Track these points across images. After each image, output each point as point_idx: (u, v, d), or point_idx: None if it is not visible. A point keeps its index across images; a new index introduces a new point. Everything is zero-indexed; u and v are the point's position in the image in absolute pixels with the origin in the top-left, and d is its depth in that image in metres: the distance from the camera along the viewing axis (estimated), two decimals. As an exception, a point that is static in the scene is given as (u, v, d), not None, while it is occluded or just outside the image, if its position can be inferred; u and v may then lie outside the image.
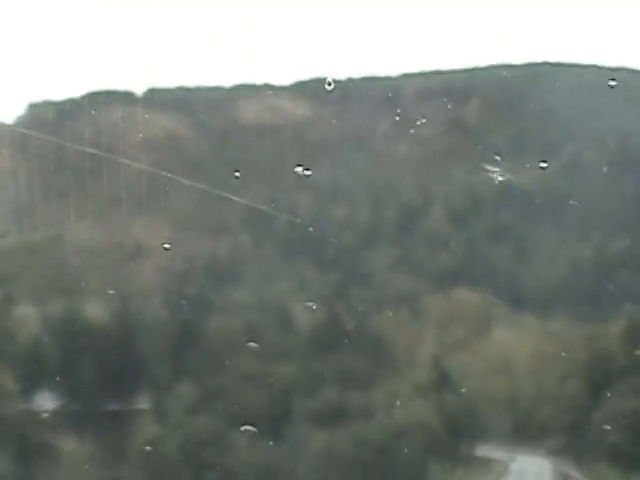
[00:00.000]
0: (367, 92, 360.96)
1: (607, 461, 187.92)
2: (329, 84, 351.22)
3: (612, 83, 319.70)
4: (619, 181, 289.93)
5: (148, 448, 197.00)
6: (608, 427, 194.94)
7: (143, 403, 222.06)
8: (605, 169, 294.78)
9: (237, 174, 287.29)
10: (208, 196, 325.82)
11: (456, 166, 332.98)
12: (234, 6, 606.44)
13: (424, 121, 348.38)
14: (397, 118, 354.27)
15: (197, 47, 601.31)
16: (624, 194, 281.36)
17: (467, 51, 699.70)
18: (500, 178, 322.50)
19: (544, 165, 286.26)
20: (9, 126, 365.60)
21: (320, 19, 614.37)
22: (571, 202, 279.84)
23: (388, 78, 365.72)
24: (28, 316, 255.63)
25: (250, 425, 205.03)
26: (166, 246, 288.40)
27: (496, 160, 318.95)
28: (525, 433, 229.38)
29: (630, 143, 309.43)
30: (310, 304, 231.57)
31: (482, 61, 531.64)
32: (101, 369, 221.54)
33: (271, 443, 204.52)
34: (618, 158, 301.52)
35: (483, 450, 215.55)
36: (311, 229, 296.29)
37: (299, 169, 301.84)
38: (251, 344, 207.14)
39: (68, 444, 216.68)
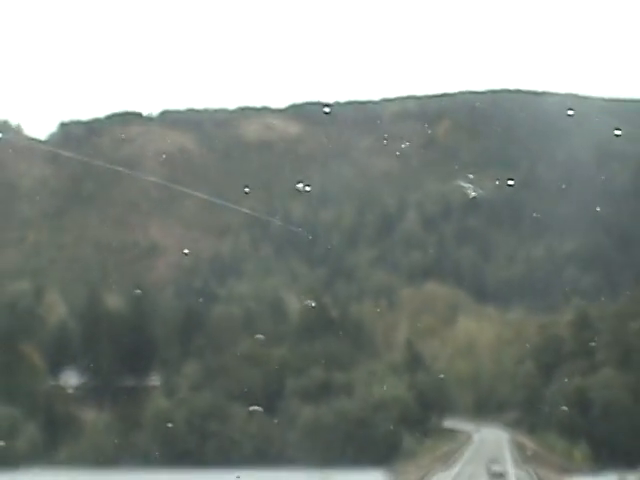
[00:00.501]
0: (352, 114, 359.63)
1: (556, 432, 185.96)
2: (326, 106, 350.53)
3: (570, 112, 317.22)
4: (568, 193, 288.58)
5: (170, 425, 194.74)
6: (558, 403, 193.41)
7: (154, 380, 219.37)
8: (561, 185, 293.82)
9: (247, 190, 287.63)
10: (213, 202, 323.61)
11: (431, 179, 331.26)
12: (237, 39, 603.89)
13: (403, 140, 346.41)
14: (377, 136, 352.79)
15: (204, 74, 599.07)
16: (571, 203, 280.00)
17: (438, 78, 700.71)
18: (473, 193, 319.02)
19: (511, 183, 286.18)
20: (42, 142, 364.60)
21: (312, 51, 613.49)
22: (534, 215, 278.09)
23: (370, 102, 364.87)
24: (55, 302, 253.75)
25: (248, 401, 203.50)
26: (185, 252, 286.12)
27: (469, 177, 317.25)
28: (486, 408, 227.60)
29: (575, 159, 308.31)
30: (309, 301, 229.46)
31: (451, 87, 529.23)
32: (119, 349, 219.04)
33: (265, 415, 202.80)
34: (566, 172, 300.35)
35: (450, 422, 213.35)
36: (307, 234, 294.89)
37: (300, 185, 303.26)
38: (258, 336, 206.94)
39: (89, 415, 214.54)
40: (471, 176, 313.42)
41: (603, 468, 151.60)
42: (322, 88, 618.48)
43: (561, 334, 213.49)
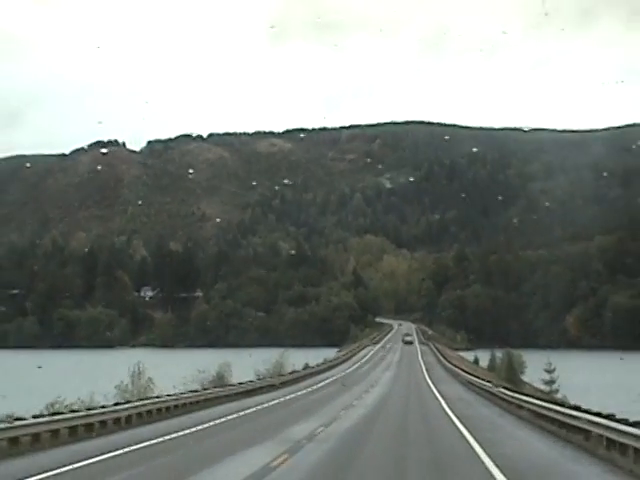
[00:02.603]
0: (322, 136, 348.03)
1: (445, 324, 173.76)
2: (306, 131, 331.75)
3: (446, 137, 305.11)
4: (452, 183, 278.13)
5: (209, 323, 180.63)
6: (446, 306, 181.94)
7: (198, 293, 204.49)
8: (446, 178, 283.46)
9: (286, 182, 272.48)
10: (240, 188, 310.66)
11: (369, 175, 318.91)
12: (258, 90, 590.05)
13: (353, 152, 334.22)
14: (337, 150, 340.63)
15: (236, 109, 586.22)
16: (453, 189, 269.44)
17: (374, 113, 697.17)
18: (389, 185, 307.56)
19: (412, 179, 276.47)
20: (137, 153, 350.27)
21: (298, 98, 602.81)
22: (427, 199, 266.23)
23: (332, 128, 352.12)
24: (139, 247, 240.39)
25: (255, 307, 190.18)
26: (217, 220, 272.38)
27: (387, 177, 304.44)
28: (401, 310, 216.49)
29: (456, 164, 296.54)
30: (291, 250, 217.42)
31: (382, 119, 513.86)
32: (177, 274, 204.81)
33: (265, 315, 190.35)
34: (451, 172, 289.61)
35: (380, 319, 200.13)
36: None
37: (286, 181, 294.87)
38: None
39: (158, 315, 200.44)
40: (388, 175, 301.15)
41: (475, 347, 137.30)
42: (304, 119, 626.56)
43: (448, 264, 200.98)
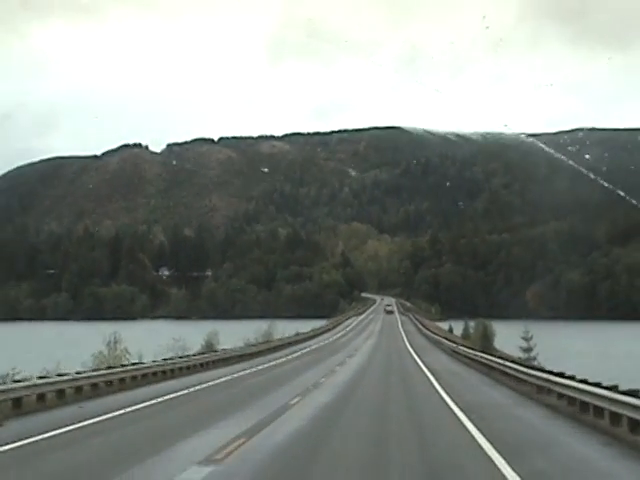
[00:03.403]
0: (314, 140, 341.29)
1: (422, 298, 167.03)
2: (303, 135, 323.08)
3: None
4: (426, 178, 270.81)
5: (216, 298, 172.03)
6: (422, 283, 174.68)
7: (208, 272, 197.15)
8: (422, 174, 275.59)
9: (265, 170, 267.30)
10: (245, 184, 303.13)
11: (355, 171, 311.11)
12: (261, 105, 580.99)
13: (341, 153, 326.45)
14: (329, 151, 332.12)
15: (244, 116, 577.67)
16: (427, 183, 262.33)
17: (357, 120, 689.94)
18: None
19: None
20: (158, 154, 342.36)
21: (294, 105, 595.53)
22: (405, 192, 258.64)
23: (324, 133, 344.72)
24: (158, 233, 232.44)
25: (257, 284, 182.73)
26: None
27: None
28: (383, 286, 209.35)
29: (430, 162, 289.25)
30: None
31: (367, 124, 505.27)
32: (190, 256, 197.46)
33: (266, 291, 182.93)
34: (425, 168, 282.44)
35: (365, 294, 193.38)
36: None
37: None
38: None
39: (174, 291, 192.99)
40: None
41: (448, 318, 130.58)
42: (300, 125, 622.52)
43: (423, 247, 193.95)
